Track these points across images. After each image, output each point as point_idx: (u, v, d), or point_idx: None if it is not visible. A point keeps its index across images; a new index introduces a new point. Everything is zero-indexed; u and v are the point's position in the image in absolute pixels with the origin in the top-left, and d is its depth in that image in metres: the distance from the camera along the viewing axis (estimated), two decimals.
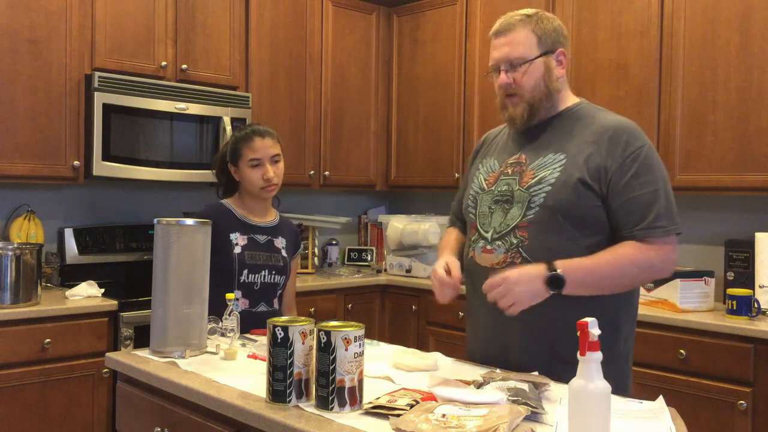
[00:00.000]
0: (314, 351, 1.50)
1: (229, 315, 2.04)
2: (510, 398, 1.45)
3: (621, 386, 1.73)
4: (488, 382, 1.56)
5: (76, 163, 3.23)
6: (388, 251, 4.21)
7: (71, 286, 3.18)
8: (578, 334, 1.26)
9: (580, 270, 1.72)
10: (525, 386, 1.52)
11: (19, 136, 3.10)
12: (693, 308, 2.95)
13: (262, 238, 2.47)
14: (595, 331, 1.25)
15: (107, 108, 3.23)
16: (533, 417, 1.42)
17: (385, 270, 4.22)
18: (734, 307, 2.82)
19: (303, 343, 1.53)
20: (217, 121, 3.58)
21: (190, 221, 2.03)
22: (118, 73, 3.31)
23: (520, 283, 1.67)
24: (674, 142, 3.15)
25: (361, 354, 1.49)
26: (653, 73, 3.25)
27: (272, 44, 3.91)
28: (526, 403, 1.43)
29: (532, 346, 1.82)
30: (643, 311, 2.70)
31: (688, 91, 3.15)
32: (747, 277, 3.03)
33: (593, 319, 1.27)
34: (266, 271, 2.44)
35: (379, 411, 1.44)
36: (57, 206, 3.54)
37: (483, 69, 3.98)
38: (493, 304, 1.73)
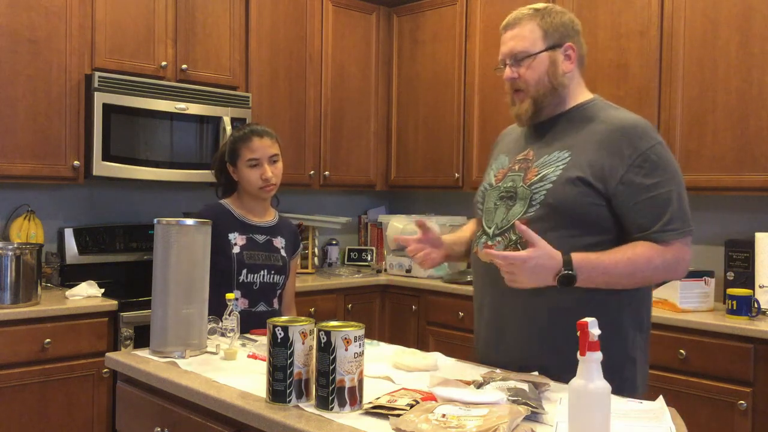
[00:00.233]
0: (314, 351, 1.50)
1: (229, 315, 2.04)
2: (510, 398, 1.45)
3: (630, 393, 1.70)
4: (488, 382, 1.56)
5: (76, 163, 3.23)
6: (388, 251, 4.22)
7: (71, 286, 3.18)
8: (578, 334, 1.26)
9: (595, 269, 1.68)
10: (525, 386, 1.52)
11: (19, 136, 3.10)
12: (693, 308, 2.95)
13: (260, 238, 2.47)
14: (595, 331, 1.25)
15: (107, 108, 3.23)
16: (533, 417, 1.42)
17: (385, 270, 4.22)
18: (734, 307, 2.82)
19: (303, 343, 1.53)
20: (217, 121, 3.58)
21: (190, 221, 2.03)
22: (118, 73, 3.31)
23: (533, 270, 1.63)
24: (674, 142, 3.14)
25: (361, 354, 1.49)
26: (653, 73, 3.25)
27: (272, 44, 3.91)
28: (526, 403, 1.43)
29: (530, 345, 1.81)
30: None
31: (688, 91, 3.15)
32: (747, 277, 3.03)
33: (593, 319, 1.27)
34: (265, 270, 2.44)
35: (379, 411, 1.44)
36: (57, 206, 3.54)
37: (483, 69, 3.99)
38: (495, 301, 1.72)
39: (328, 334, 1.46)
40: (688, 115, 3.14)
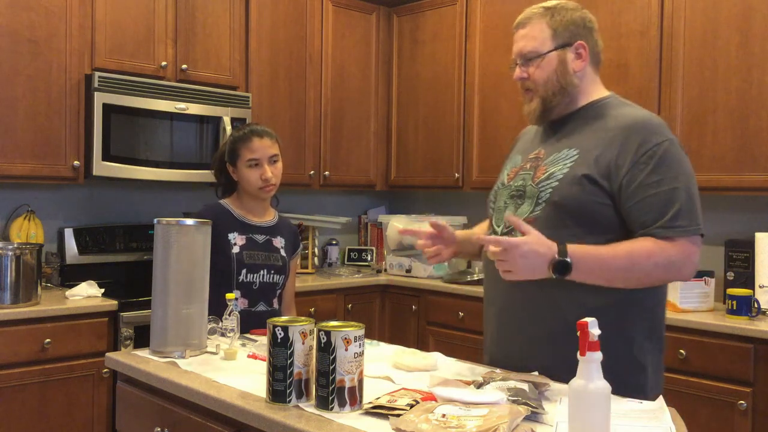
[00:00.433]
0: (314, 351, 1.50)
1: (229, 315, 2.04)
2: (510, 398, 1.45)
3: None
4: (488, 382, 1.56)
5: (76, 163, 3.23)
6: (388, 251, 4.21)
7: (71, 286, 3.18)
8: (578, 334, 1.26)
9: (591, 259, 1.65)
10: (525, 386, 1.52)
11: (19, 136, 3.10)
12: (693, 308, 2.95)
13: (260, 238, 2.47)
14: (595, 331, 1.25)
15: (107, 108, 3.23)
16: (533, 417, 1.42)
17: (385, 270, 4.22)
18: (734, 307, 2.82)
19: (303, 343, 1.53)
20: (217, 121, 3.58)
21: (190, 221, 2.03)
22: (118, 73, 3.31)
23: (526, 257, 1.61)
24: None
25: (361, 354, 1.49)
26: (653, 73, 3.25)
27: (272, 44, 3.91)
28: (526, 403, 1.43)
29: (540, 347, 1.79)
30: None
31: (688, 91, 3.15)
32: (747, 277, 3.03)
33: (593, 319, 1.27)
34: (265, 270, 2.44)
35: (379, 411, 1.44)
36: (57, 206, 3.54)
37: (483, 69, 3.99)
38: (505, 302, 1.71)
39: (328, 334, 1.46)
40: (688, 115, 3.14)
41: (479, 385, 1.56)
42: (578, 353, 1.26)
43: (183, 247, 1.98)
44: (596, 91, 1.88)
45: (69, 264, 3.45)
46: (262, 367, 1.68)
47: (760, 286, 2.93)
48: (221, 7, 3.69)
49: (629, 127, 1.74)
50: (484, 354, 2.00)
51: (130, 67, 3.38)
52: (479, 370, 1.79)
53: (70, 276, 3.42)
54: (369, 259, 4.49)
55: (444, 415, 1.34)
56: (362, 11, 4.37)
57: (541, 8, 1.86)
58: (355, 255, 4.53)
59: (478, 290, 3.58)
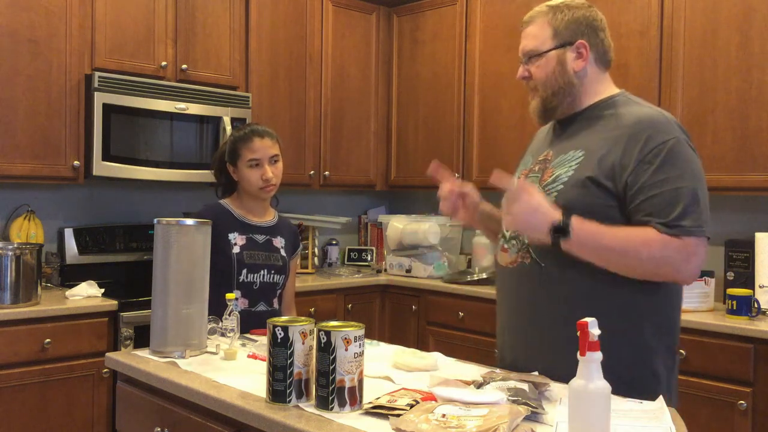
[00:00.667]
0: (314, 351, 1.50)
1: (229, 315, 2.04)
2: (510, 398, 1.45)
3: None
4: (488, 382, 1.56)
5: (76, 163, 3.23)
6: (388, 251, 4.21)
7: (71, 286, 3.18)
8: (578, 334, 1.26)
9: (589, 232, 1.63)
10: (525, 386, 1.52)
11: (19, 136, 3.10)
12: (693, 308, 2.94)
13: (260, 238, 2.47)
14: (595, 331, 1.25)
15: (107, 108, 3.23)
16: (533, 417, 1.42)
17: (385, 270, 4.22)
18: (734, 307, 2.82)
19: (303, 343, 1.53)
20: (217, 121, 3.58)
21: (190, 221, 2.03)
22: (118, 73, 3.31)
23: (533, 207, 1.62)
24: None
25: (361, 354, 1.49)
26: (653, 73, 3.25)
27: (272, 44, 3.91)
28: (526, 403, 1.43)
29: (553, 350, 1.75)
30: None
31: (688, 91, 3.15)
32: (747, 277, 3.03)
33: (593, 319, 1.27)
34: (265, 270, 2.44)
35: (379, 411, 1.44)
36: (57, 206, 3.54)
37: (483, 69, 3.99)
38: (518, 305, 1.72)
39: (328, 334, 1.46)
40: (688, 115, 3.14)
41: (479, 385, 1.56)
42: (578, 353, 1.26)
43: (183, 247, 1.98)
44: (604, 90, 1.85)
45: (69, 264, 3.45)
46: (262, 367, 1.68)
47: (760, 286, 2.93)
48: (221, 7, 3.69)
49: (634, 126, 1.71)
50: (496, 358, 1.97)
51: (130, 67, 3.38)
52: (479, 370, 1.79)
53: (70, 276, 3.42)
54: (369, 259, 4.49)
55: (444, 415, 1.34)
56: (362, 11, 4.37)
57: (545, 7, 1.85)
58: (355, 255, 4.53)
59: (478, 290, 3.58)
